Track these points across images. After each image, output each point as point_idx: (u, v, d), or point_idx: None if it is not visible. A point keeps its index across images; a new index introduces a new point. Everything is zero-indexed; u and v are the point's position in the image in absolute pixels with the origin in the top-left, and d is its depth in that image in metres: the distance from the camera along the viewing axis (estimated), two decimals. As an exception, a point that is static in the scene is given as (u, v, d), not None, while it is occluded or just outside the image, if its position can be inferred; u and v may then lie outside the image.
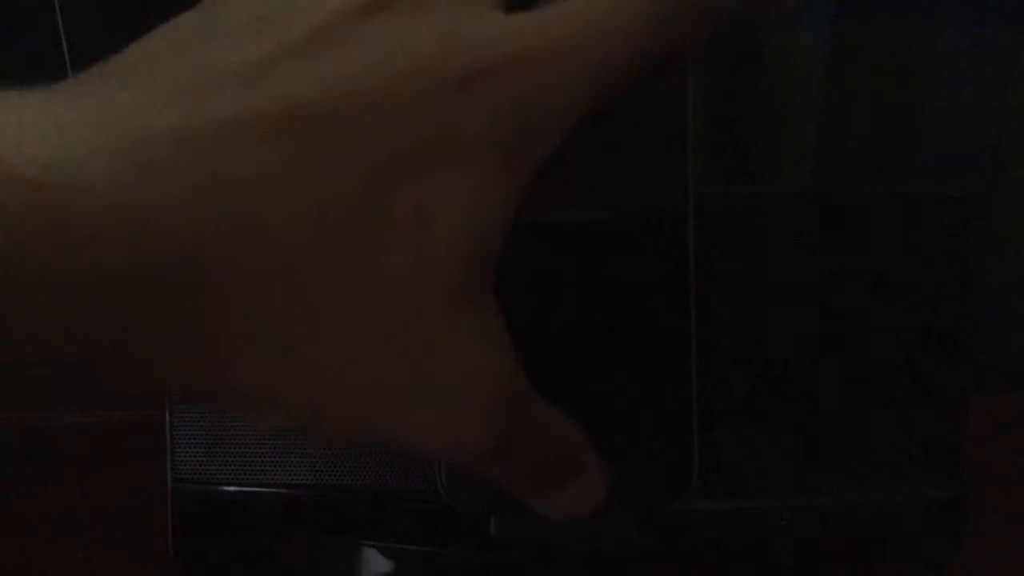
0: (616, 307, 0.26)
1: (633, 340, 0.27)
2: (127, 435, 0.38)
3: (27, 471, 0.38)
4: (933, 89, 0.39)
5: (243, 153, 0.18)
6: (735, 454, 0.29)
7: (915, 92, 0.39)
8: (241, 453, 0.31)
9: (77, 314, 0.17)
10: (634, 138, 0.26)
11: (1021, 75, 0.38)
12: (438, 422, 0.21)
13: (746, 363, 0.29)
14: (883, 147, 0.39)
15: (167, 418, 0.31)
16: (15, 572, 0.38)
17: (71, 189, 0.17)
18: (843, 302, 0.30)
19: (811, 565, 0.31)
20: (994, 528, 0.34)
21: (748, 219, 0.29)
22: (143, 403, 0.37)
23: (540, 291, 0.26)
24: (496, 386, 0.21)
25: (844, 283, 0.30)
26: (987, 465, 0.32)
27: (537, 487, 0.24)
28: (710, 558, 0.31)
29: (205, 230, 0.18)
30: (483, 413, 0.21)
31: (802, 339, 0.30)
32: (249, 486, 0.31)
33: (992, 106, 0.38)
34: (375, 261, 0.19)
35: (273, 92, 0.19)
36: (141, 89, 0.19)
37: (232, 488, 0.31)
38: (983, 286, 0.39)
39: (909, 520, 0.31)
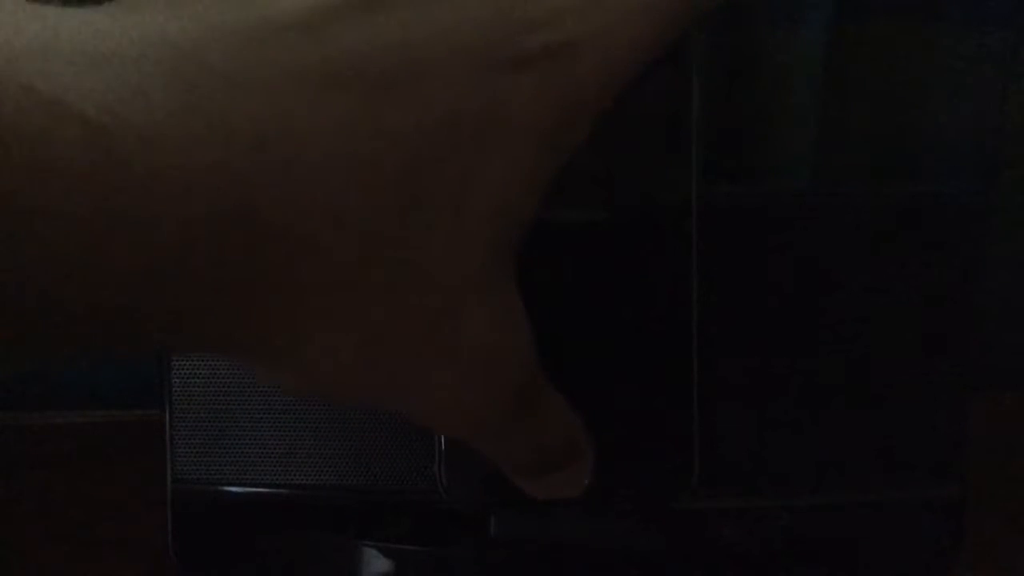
0: (618, 307, 0.26)
1: (634, 340, 0.27)
2: (127, 435, 0.38)
3: (27, 471, 0.38)
4: (933, 89, 0.39)
5: (302, 104, 0.18)
6: (735, 454, 0.29)
7: (915, 92, 0.39)
8: (241, 453, 0.31)
9: (124, 255, 0.17)
10: (637, 137, 0.26)
11: (1021, 75, 0.38)
12: (460, 394, 0.21)
13: (747, 363, 0.29)
14: (883, 147, 0.39)
15: (167, 418, 0.31)
16: (15, 572, 0.38)
17: (127, 128, 0.16)
18: (843, 302, 0.30)
19: (811, 565, 0.31)
20: (994, 528, 0.34)
21: (748, 219, 0.29)
22: (143, 403, 0.37)
23: (542, 290, 0.26)
24: (517, 363, 0.22)
25: (844, 283, 0.30)
26: (987, 465, 0.32)
27: (535, 469, 0.24)
28: (710, 558, 0.31)
29: (262, 179, 0.17)
30: (504, 389, 0.21)
31: (803, 339, 0.30)
32: (249, 486, 0.31)
33: (992, 106, 0.38)
34: (415, 228, 0.19)
35: (333, 46, 0.18)
36: (192, 20, 0.18)
37: (232, 488, 0.31)
38: (983, 286, 0.39)
39: (909, 520, 0.31)
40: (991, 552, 0.34)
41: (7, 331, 0.16)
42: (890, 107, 0.39)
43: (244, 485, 0.31)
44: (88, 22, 0.17)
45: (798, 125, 0.39)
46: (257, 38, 0.18)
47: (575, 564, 0.30)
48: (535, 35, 0.20)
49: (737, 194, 0.30)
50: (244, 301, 0.18)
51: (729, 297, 0.29)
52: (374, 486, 0.30)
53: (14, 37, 0.16)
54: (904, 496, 0.31)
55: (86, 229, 0.16)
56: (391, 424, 0.30)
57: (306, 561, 0.32)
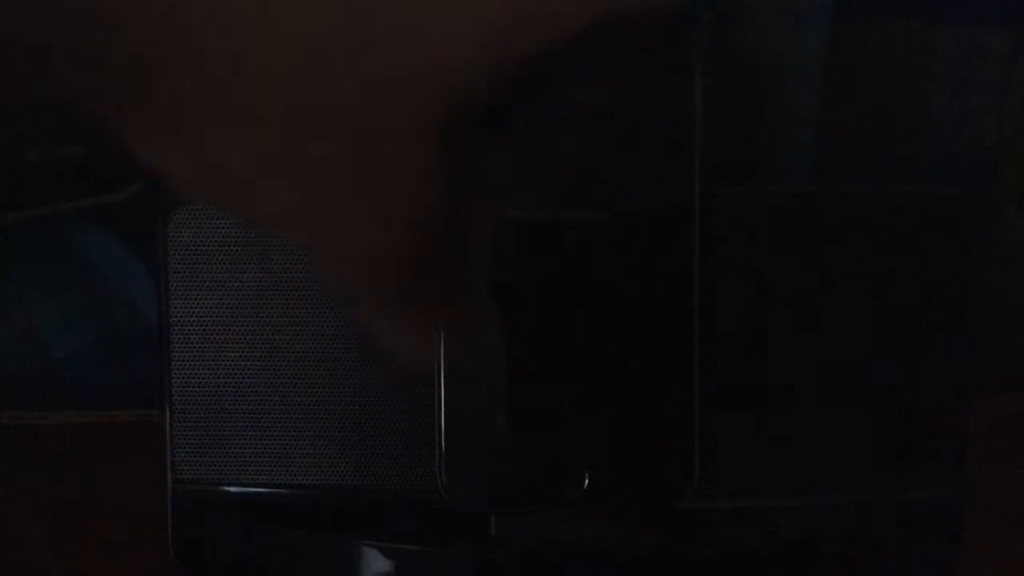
0: (619, 307, 0.26)
1: (635, 339, 0.27)
2: (127, 435, 0.38)
3: (27, 471, 0.38)
4: (933, 89, 0.39)
5: None
6: (735, 454, 0.29)
7: (915, 92, 0.39)
8: (241, 453, 0.31)
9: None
10: (637, 137, 0.26)
11: (1021, 76, 0.38)
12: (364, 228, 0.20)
13: (747, 363, 0.29)
14: (883, 147, 0.39)
15: (167, 418, 0.31)
16: (15, 571, 0.38)
17: None
18: (844, 302, 0.30)
19: (811, 565, 0.31)
20: (994, 528, 0.34)
21: (749, 219, 0.29)
22: (143, 403, 0.38)
23: (543, 290, 0.26)
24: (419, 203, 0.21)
25: (845, 283, 0.30)
26: (987, 465, 0.32)
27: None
28: (710, 558, 0.31)
29: None
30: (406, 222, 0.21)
31: (803, 339, 0.30)
32: (249, 486, 0.31)
33: (992, 106, 0.38)
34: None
35: None
36: None
37: (232, 488, 0.31)
38: (983, 286, 0.39)
39: (909, 520, 0.31)
40: (991, 553, 0.34)
41: None
42: (890, 107, 0.39)
43: (244, 485, 0.31)
44: None
45: (798, 125, 0.39)
46: None
47: (575, 564, 0.30)
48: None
49: (737, 194, 0.30)
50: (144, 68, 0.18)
51: (730, 297, 0.29)
52: (374, 486, 0.30)
53: None
54: (904, 496, 0.31)
55: None
56: (391, 424, 0.30)
57: (306, 561, 0.32)
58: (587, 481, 0.27)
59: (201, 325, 0.31)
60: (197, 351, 0.31)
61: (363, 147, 0.20)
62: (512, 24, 0.20)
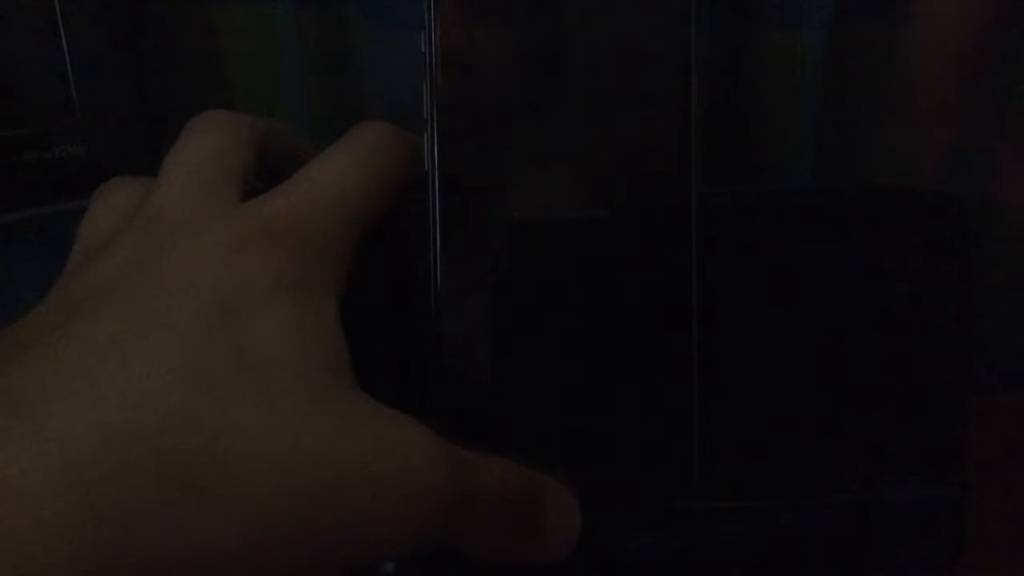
0: (617, 307, 0.26)
1: (634, 339, 0.27)
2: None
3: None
4: (932, 89, 0.39)
5: None
6: (735, 454, 0.29)
7: (914, 92, 0.39)
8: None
9: None
10: (637, 137, 0.26)
11: (1021, 75, 0.38)
12: (374, 510, 0.21)
13: (746, 363, 0.29)
14: (883, 147, 0.39)
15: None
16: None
17: None
18: (843, 302, 0.30)
19: (811, 565, 0.31)
20: (994, 528, 0.34)
21: (747, 219, 0.29)
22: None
23: (542, 290, 0.26)
24: (413, 455, 0.22)
25: (844, 283, 0.30)
26: (987, 465, 0.32)
27: (504, 541, 0.24)
28: (710, 558, 0.31)
29: None
30: (415, 482, 0.22)
31: (802, 339, 0.30)
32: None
33: (992, 106, 0.38)
34: (225, 403, 0.20)
35: None
36: None
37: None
38: (983, 286, 0.39)
39: (909, 520, 0.31)
40: (991, 552, 0.34)
41: None
42: (890, 107, 0.39)
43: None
44: None
45: (798, 125, 0.39)
46: None
47: (574, 564, 0.30)
48: (246, 220, 0.23)
49: (737, 194, 0.30)
50: None
51: (729, 297, 0.29)
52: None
53: None
54: (904, 496, 0.30)
55: None
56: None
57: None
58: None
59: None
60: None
61: None
62: None
